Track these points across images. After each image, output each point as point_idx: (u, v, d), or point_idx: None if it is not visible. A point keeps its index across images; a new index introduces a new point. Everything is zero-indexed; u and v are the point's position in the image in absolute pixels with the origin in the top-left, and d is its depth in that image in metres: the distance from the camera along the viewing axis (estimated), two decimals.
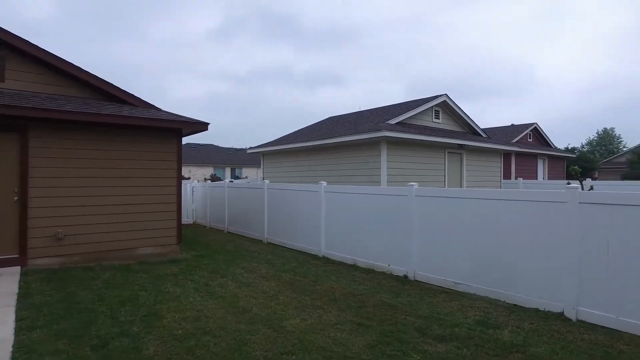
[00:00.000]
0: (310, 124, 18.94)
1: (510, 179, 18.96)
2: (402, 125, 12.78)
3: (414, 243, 6.76)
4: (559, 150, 26.42)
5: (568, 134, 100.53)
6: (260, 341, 4.05)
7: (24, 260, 6.97)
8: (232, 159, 45.10)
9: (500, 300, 5.46)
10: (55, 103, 7.19)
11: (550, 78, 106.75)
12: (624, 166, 28.94)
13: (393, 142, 11.84)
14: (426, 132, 12.65)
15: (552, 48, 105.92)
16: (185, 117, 8.62)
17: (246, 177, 38.49)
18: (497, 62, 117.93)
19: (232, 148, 49.89)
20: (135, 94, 8.68)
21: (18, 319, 4.50)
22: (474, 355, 3.79)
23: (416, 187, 6.89)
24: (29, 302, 5.15)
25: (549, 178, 22.52)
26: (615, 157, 39.49)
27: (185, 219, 14.15)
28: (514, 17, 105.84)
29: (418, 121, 13.86)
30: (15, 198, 6.97)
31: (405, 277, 6.79)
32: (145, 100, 8.81)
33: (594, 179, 19.67)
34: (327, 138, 13.10)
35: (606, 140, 52.88)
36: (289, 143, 15.18)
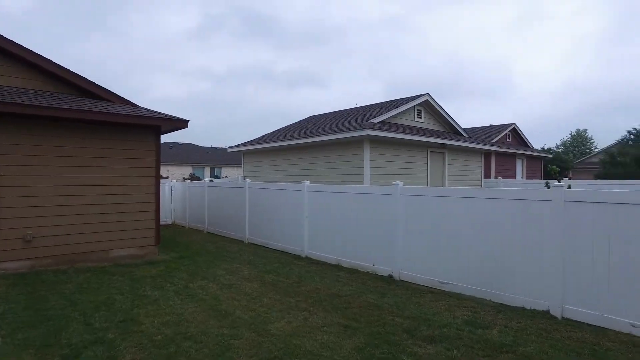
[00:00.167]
0: (291, 123, 18.76)
1: (490, 178, 19.24)
2: (385, 124, 12.74)
3: (399, 243, 6.68)
4: (537, 150, 27.03)
5: (543, 135, 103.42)
6: (245, 346, 3.87)
7: None
8: (212, 159, 44.41)
9: (486, 300, 5.43)
10: (25, 97, 6.81)
11: (525, 80, 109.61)
12: (597, 166, 29.82)
13: (376, 141, 11.78)
14: (409, 131, 12.65)
15: (528, 51, 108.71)
16: (164, 114, 8.32)
17: (226, 177, 37.92)
18: (474, 64, 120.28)
19: (211, 147, 49.13)
20: (111, 90, 8.34)
21: None
22: (465, 356, 3.71)
23: (401, 185, 6.82)
24: None
25: (527, 177, 22.99)
26: (587, 158, 40.71)
27: (164, 219, 13.76)
28: (491, 21, 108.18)
29: (400, 120, 13.86)
30: None
31: (391, 277, 6.71)
32: (123, 96, 8.48)
33: (568, 178, 20.16)
34: (310, 137, 12.95)
35: (579, 142, 54.47)
36: (271, 142, 14.97)
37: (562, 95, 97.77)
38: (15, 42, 7.20)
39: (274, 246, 9.49)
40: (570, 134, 55.79)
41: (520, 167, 22.78)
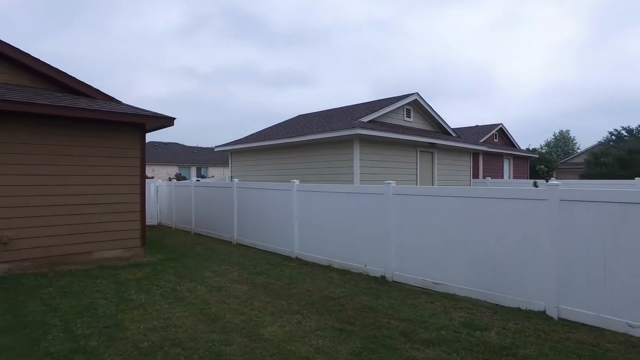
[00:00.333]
0: (278, 122, 18.56)
1: (478, 178, 19.35)
2: (374, 123, 12.66)
3: (391, 243, 6.58)
4: (523, 150, 27.35)
5: (527, 136, 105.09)
6: (237, 352, 3.70)
7: None
8: (198, 158, 43.84)
9: (481, 300, 5.35)
10: None
11: (508, 82, 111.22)
12: (581, 166, 30.37)
13: (366, 140, 11.69)
14: (398, 131, 12.59)
15: (510, 54, 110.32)
16: (149, 111, 8.07)
17: (212, 177, 37.44)
18: (456, 65, 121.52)
19: (197, 147, 48.50)
20: (91, 85, 8.05)
21: None
22: None
23: (394, 185, 6.72)
24: None
25: (514, 177, 23.21)
26: (571, 158, 41.46)
27: (150, 220, 13.41)
28: (475, 23, 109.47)
29: (390, 119, 13.80)
30: None
31: (383, 277, 6.60)
32: (106, 93, 8.20)
33: (555, 178, 20.40)
34: (299, 136, 12.78)
35: (562, 142, 55.41)
36: (259, 141, 14.76)
37: (543, 97, 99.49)
38: None
39: (263, 247, 9.30)
40: (554, 135, 56.75)
41: (507, 167, 22.99)
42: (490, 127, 23.27)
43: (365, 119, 12.56)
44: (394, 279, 6.48)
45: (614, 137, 35.43)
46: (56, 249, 7.04)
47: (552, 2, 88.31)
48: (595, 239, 4.52)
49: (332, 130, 11.85)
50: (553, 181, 5.62)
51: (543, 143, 56.38)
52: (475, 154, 18.98)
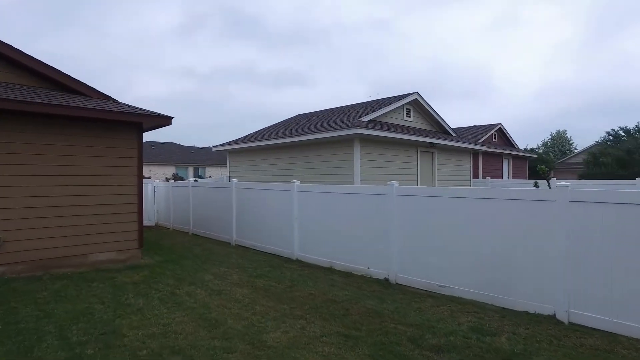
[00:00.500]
0: (276, 122, 18.39)
1: (477, 178, 19.25)
2: (375, 123, 12.51)
3: (394, 244, 6.44)
4: (522, 150, 27.29)
5: (527, 136, 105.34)
6: None
7: None
8: (195, 158, 43.55)
9: (487, 304, 5.23)
10: None
11: (505, 82, 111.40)
12: (579, 166, 30.36)
13: (366, 140, 11.55)
14: (399, 130, 12.46)
15: (508, 54, 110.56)
16: (147, 110, 7.90)
17: (210, 177, 37.22)
18: (454, 65, 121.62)
19: (194, 147, 48.18)
20: (89, 84, 7.87)
21: None
22: None
23: (397, 185, 6.58)
24: None
25: (513, 177, 23.14)
26: (568, 158, 41.51)
27: (147, 221, 13.22)
28: (474, 23, 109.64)
29: (389, 119, 13.66)
30: None
31: (386, 280, 6.46)
32: (102, 92, 8.01)
33: (555, 179, 20.34)
34: (298, 135, 12.62)
35: (559, 142, 55.50)
36: (258, 140, 14.58)
37: (542, 97, 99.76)
38: None
39: (262, 248, 9.15)
40: (551, 135, 56.85)
41: (506, 167, 22.91)
42: (489, 127, 23.19)
43: (365, 119, 12.41)
44: (398, 282, 6.35)
45: (611, 137, 35.46)
46: (51, 251, 6.86)
47: (551, 2, 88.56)
48: (607, 241, 4.40)
49: (332, 129, 11.70)
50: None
51: (540, 143, 56.50)
52: (475, 154, 18.89)
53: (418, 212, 6.22)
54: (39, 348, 3.75)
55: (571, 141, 55.75)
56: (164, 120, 7.93)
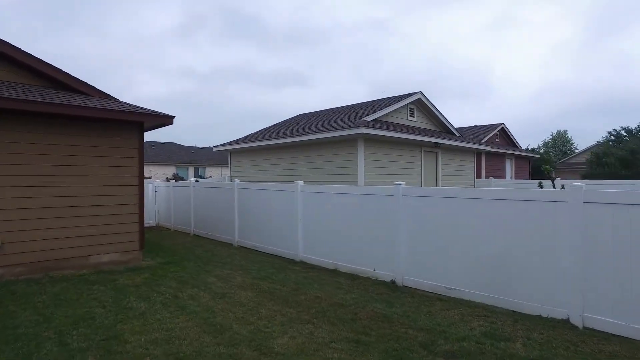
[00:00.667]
0: (277, 122, 18.24)
1: (480, 178, 19.12)
2: (378, 123, 12.38)
3: (401, 246, 6.31)
4: (525, 150, 27.16)
5: (527, 136, 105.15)
6: None
7: None
8: (195, 158, 43.40)
9: (498, 307, 5.10)
10: None
11: (505, 83, 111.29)
12: (581, 166, 30.22)
13: (370, 140, 11.41)
14: (403, 130, 12.33)
15: (508, 54, 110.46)
16: (148, 109, 7.77)
17: (210, 177, 37.08)
18: (457, 65, 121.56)
19: (195, 147, 48.03)
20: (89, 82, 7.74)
21: None
22: None
23: (403, 186, 6.45)
24: None
25: (516, 177, 23.01)
26: (569, 158, 41.37)
27: (148, 222, 13.07)
28: (474, 23, 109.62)
29: (393, 119, 13.53)
30: None
31: (393, 282, 6.33)
32: (103, 91, 7.88)
33: (559, 179, 20.22)
34: (301, 135, 12.49)
35: (560, 142, 55.33)
36: (260, 140, 14.45)
37: (542, 97, 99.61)
38: None
39: (265, 250, 9.02)
40: (551, 135, 56.68)
41: (509, 167, 22.77)
42: (492, 127, 23.06)
43: (369, 119, 12.28)
44: (405, 284, 6.21)
45: (613, 137, 35.34)
46: (50, 253, 6.72)
47: (551, 2, 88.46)
48: (622, 243, 4.27)
49: (335, 129, 11.56)
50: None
51: (541, 143, 56.33)
52: (478, 154, 18.75)
53: (425, 213, 6.09)
54: (38, 355, 3.61)
55: (572, 141, 55.59)
56: (166, 120, 7.80)
